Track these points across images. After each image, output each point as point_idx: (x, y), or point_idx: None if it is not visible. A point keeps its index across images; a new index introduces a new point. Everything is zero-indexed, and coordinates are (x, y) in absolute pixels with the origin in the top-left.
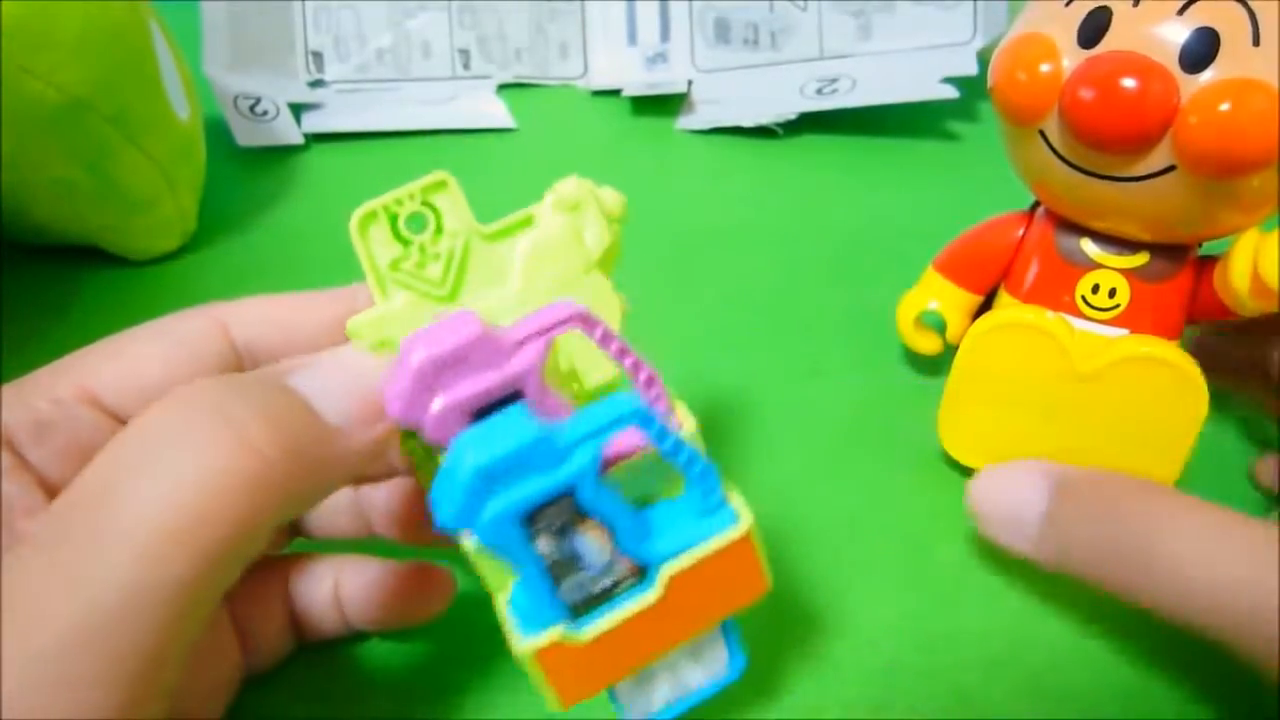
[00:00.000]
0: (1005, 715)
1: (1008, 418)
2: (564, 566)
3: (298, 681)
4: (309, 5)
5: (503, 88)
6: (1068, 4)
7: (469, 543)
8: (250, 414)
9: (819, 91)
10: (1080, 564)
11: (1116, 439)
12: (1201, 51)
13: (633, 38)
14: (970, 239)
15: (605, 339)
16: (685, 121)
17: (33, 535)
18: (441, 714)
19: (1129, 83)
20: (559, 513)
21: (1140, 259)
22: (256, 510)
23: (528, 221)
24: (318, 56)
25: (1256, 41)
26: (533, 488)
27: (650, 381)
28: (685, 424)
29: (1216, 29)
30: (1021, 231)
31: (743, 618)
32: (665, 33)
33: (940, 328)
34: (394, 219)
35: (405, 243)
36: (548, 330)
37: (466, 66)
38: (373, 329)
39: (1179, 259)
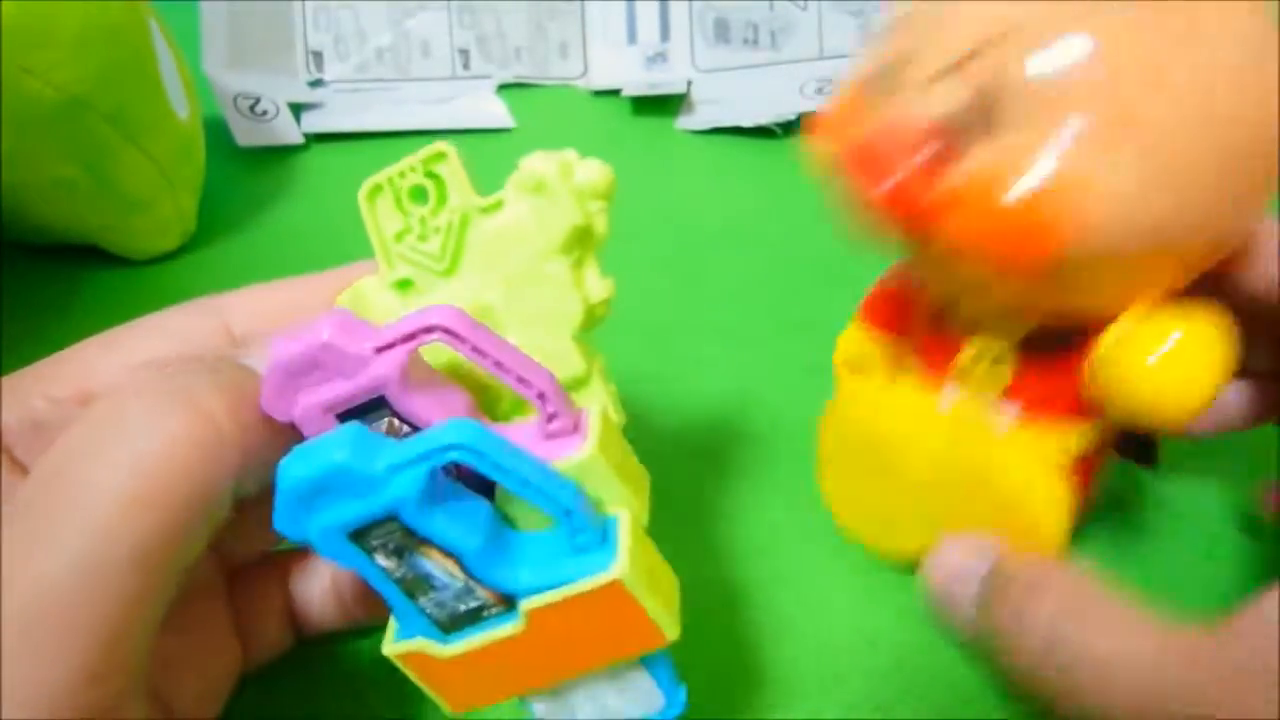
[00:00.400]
0: (1006, 715)
1: (872, 487)
2: (415, 584)
3: (296, 678)
4: (309, 5)
5: (503, 87)
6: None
7: None
8: (202, 385)
9: (819, 91)
10: (1002, 651)
11: (984, 520)
12: (960, 127)
13: (633, 37)
14: (881, 283)
15: (477, 351)
16: (685, 121)
17: (3, 514)
18: (442, 713)
19: (880, 167)
20: (390, 534)
21: (1024, 327)
22: (213, 475)
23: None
24: (317, 56)
25: (1020, 123)
26: (347, 510)
27: (542, 397)
28: (579, 452)
29: (977, 97)
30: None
31: (744, 614)
32: (665, 32)
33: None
34: (398, 192)
35: (408, 215)
36: (405, 340)
37: (466, 66)
38: (353, 306)
39: (1078, 329)
